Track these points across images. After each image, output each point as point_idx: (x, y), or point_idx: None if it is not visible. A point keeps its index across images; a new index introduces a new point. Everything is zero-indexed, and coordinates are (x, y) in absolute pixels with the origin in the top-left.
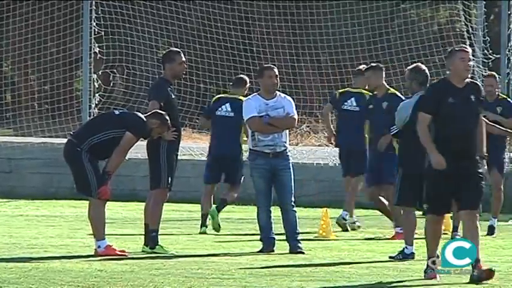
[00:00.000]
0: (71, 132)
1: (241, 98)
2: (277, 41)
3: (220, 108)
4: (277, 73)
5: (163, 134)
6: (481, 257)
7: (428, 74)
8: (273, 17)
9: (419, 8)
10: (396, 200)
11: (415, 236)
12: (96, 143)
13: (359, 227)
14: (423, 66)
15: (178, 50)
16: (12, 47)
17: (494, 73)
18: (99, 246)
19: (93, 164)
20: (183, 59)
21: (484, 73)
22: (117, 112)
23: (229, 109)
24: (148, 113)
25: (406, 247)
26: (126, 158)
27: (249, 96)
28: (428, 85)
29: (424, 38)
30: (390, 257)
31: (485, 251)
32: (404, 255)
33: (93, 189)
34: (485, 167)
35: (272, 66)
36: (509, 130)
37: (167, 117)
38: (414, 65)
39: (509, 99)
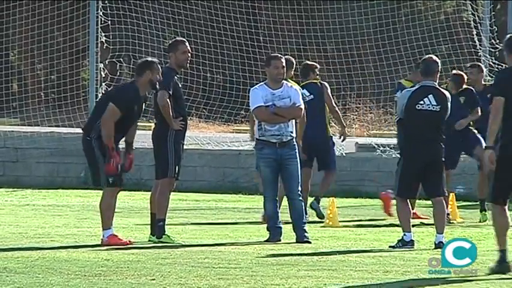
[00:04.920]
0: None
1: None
2: (284, 30)
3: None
4: (284, 63)
5: (172, 123)
6: None
7: (430, 64)
8: (279, 7)
9: None
10: (397, 191)
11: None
12: (99, 126)
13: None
14: (433, 58)
15: (183, 39)
16: (18, 37)
17: None
18: (103, 236)
19: (104, 151)
20: (187, 48)
21: (491, 62)
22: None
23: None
24: (135, 76)
25: (404, 234)
26: (134, 147)
27: (256, 86)
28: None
29: (431, 27)
30: (390, 246)
31: (491, 241)
32: (404, 243)
33: (102, 177)
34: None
35: (279, 56)
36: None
37: (148, 60)
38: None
39: (472, 89)
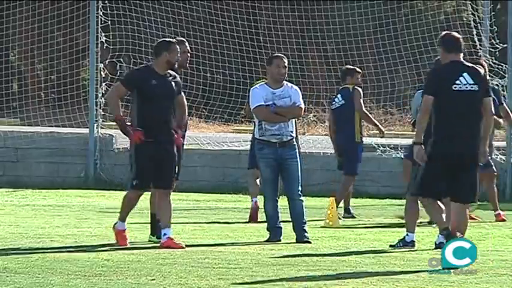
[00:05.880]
0: None
1: None
2: (284, 30)
3: None
4: (286, 63)
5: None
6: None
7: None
8: (279, 7)
9: None
10: (420, 191)
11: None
12: (129, 123)
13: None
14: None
15: (183, 39)
16: (18, 37)
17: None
18: (116, 223)
19: (137, 149)
20: (187, 48)
21: (491, 62)
22: None
23: None
24: (154, 57)
25: (407, 234)
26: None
27: (256, 85)
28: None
29: (431, 27)
30: (391, 246)
31: (491, 241)
32: (405, 243)
33: (132, 175)
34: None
35: (282, 55)
36: None
37: (166, 40)
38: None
39: None
